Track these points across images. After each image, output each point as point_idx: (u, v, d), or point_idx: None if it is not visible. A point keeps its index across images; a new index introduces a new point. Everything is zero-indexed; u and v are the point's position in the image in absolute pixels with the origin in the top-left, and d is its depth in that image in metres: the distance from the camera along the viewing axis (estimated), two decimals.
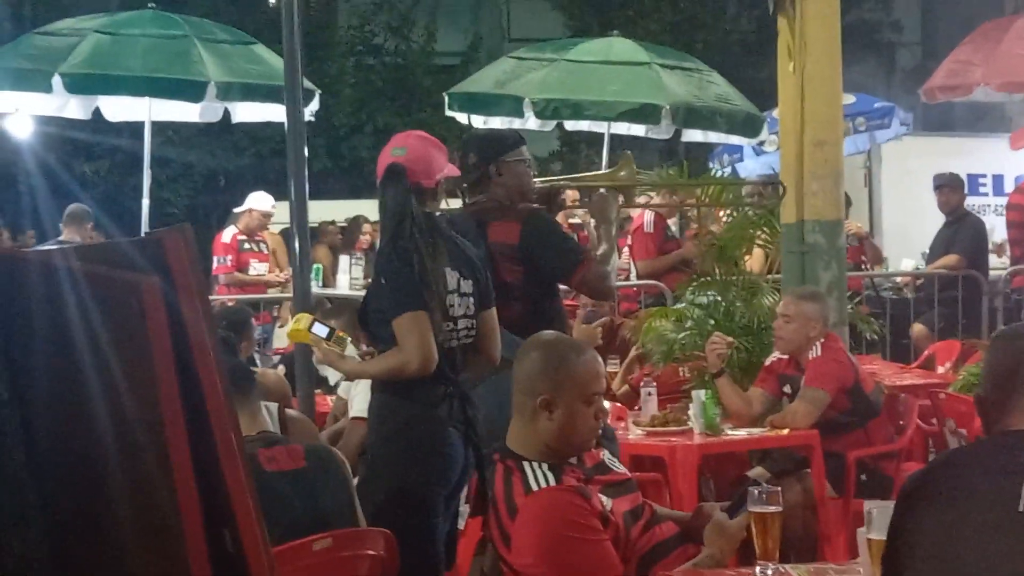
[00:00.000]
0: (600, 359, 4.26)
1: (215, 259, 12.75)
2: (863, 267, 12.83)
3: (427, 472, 4.86)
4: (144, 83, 11.11)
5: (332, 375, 7.67)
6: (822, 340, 7.00)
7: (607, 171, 6.38)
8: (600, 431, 5.17)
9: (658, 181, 8.83)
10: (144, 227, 11.63)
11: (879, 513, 3.56)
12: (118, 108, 11.94)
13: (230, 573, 2.05)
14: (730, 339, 7.23)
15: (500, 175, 5.78)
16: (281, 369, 8.38)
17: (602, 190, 6.31)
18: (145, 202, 11.72)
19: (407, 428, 4.86)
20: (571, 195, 7.54)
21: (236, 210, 13.25)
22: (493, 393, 5.14)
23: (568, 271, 5.80)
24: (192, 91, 11.12)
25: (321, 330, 5.04)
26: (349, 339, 5.08)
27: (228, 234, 12.85)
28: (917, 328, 11.89)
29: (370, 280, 5.29)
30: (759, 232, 8.75)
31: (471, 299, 5.06)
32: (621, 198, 6.50)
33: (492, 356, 5.18)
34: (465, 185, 5.88)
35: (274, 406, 5.31)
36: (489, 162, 5.80)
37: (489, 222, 5.70)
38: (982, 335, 11.10)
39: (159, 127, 13.77)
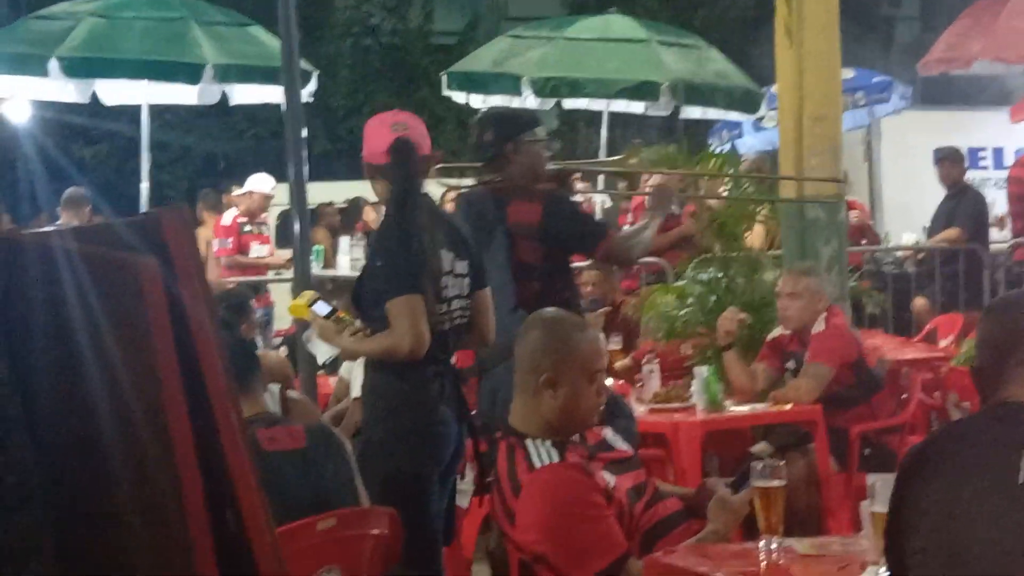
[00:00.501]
0: (602, 337, 4.27)
1: (216, 242, 12.74)
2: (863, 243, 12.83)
3: (421, 450, 4.85)
4: (141, 66, 11.09)
5: (320, 355, 7.61)
6: (825, 315, 7.00)
7: (619, 157, 6.39)
8: (616, 410, 5.19)
9: (663, 167, 8.79)
10: (143, 210, 11.62)
11: (883, 486, 3.56)
12: (115, 91, 11.92)
13: (234, 554, 2.05)
14: (742, 315, 7.22)
15: (516, 154, 5.75)
16: (283, 351, 8.38)
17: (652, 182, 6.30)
18: (144, 185, 11.72)
19: (400, 407, 4.85)
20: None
21: (236, 192, 13.22)
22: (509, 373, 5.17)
23: (591, 247, 5.90)
24: (189, 73, 11.10)
25: (322, 309, 5.01)
26: (349, 320, 5.05)
27: (229, 216, 12.85)
28: (919, 302, 11.88)
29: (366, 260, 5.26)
30: (759, 208, 8.74)
31: (465, 280, 5.05)
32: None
33: (486, 336, 5.18)
34: (479, 163, 5.86)
35: (276, 387, 5.30)
36: (507, 141, 5.76)
37: (509, 202, 5.67)
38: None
39: (156, 110, 13.73)
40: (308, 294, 5.15)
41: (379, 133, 5.02)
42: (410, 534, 4.68)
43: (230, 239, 12.71)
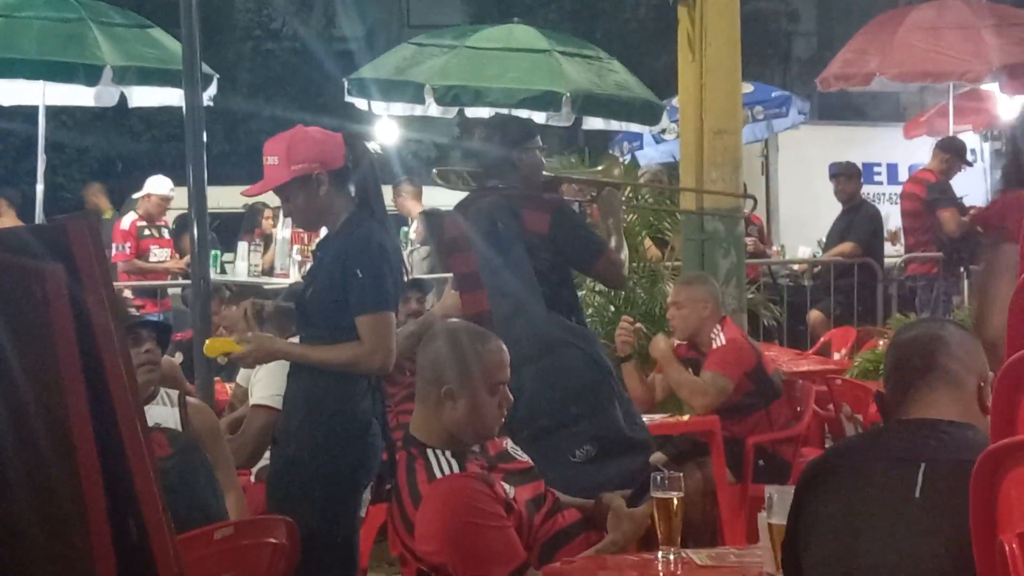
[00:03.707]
0: (505, 348, 4.27)
1: (113, 247, 12.59)
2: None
3: (355, 464, 4.82)
4: (38, 66, 10.92)
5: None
6: (720, 326, 7.06)
7: (600, 168, 6.43)
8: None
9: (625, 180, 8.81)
10: (38, 213, 11.47)
11: (780, 498, 3.60)
12: (12, 92, 11.74)
13: (135, 563, 2.03)
14: (637, 325, 7.26)
15: (521, 162, 5.76)
16: (179, 356, 8.29)
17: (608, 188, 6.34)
18: (39, 187, 11.55)
19: (336, 420, 4.81)
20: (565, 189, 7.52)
21: (134, 196, 13.09)
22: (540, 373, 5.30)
23: (590, 261, 5.84)
24: (88, 75, 10.96)
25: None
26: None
27: (127, 220, 12.71)
28: (813, 315, 12.02)
29: (311, 266, 5.17)
30: (662, 221, 8.80)
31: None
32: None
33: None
34: (479, 169, 5.84)
35: (175, 394, 5.25)
36: (514, 148, 5.77)
37: (520, 210, 5.66)
38: (877, 322, 11.26)
39: (53, 111, 13.54)
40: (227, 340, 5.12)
41: (327, 137, 4.95)
42: (335, 546, 4.70)
43: (128, 243, 12.56)
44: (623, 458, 5.36)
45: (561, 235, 5.69)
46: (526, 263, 5.58)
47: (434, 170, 6.61)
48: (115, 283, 11.63)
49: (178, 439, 4.61)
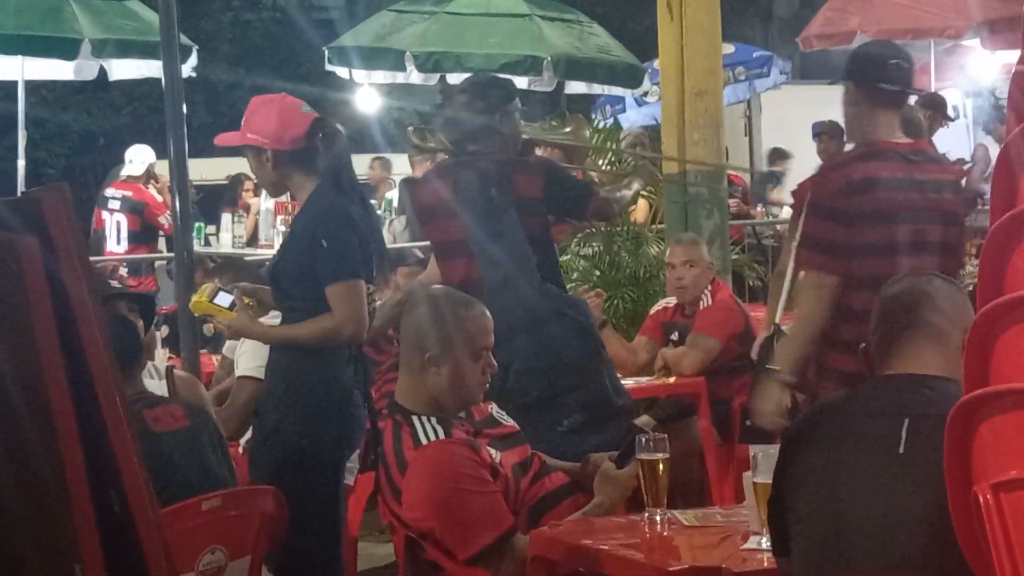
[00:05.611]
0: (489, 314, 4.27)
1: (163, 218, 12.59)
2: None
3: (337, 433, 4.82)
4: (16, 41, 10.89)
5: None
6: (710, 288, 7.07)
7: (569, 130, 6.46)
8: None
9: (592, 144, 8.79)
10: (20, 188, 11.44)
11: (764, 457, 3.61)
12: None
13: (118, 536, 2.03)
14: (597, 289, 7.28)
15: (502, 125, 5.71)
16: (165, 330, 8.27)
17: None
18: (20, 163, 11.55)
19: (317, 390, 4.79)
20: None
21: (129, 173, 13.07)
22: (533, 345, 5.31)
23: (584, 207, 5.93)
24: (66, 49, 10.93)
25: (224, 299, 4.92)
26: (251, 302, 4.97)
27: (159, 194, 12.73)
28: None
29: (287, 236, 5.15)
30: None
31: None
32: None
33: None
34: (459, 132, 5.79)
35: (163, 366, 5.25)
36: (496, 111, 5.69)
37: (511, 175, 5.59)
38: None
39: (33, 86, 13.50)
40: (206, 288, 5.04)
41: (294, 118, 4.90)
42: (319, 516, 4.71)
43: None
44: (607, 425, 5.37)
45: (556, 193, 5.65)
46: (520, 231, 5.51)
47: (410, 128, 6.57)
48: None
49: (193, 411, 4.61)
